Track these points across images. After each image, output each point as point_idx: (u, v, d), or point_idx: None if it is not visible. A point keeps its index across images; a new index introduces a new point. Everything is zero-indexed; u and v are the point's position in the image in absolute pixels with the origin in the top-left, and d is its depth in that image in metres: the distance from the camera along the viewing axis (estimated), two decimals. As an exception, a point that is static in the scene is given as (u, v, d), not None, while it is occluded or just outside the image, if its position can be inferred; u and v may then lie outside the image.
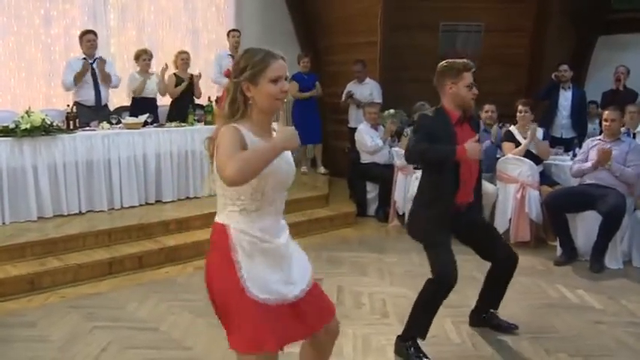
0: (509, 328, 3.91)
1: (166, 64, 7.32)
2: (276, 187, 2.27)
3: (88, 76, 6.81)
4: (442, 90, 3.54)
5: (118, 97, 7.66)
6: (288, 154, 2.31)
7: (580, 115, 7.74)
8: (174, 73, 7.46)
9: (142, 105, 7.06)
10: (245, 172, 2.03)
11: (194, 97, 7.58)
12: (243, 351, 2.19)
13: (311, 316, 2.37)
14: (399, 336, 3.60)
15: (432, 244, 3.50)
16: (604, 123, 5.48)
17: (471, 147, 3.31)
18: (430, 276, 3.48)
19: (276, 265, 2.29)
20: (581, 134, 7.43)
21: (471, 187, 3.56)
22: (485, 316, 3.96)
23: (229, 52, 7.80)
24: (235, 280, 2.21)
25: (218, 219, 2.32)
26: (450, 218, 3.48)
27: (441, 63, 3.55)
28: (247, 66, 2.21)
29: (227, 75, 2.05)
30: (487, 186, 5.44)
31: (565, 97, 7.72)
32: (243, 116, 2.25)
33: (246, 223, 2.25)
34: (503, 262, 3.72)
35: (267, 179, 2.21)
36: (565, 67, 7.64)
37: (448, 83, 3.48)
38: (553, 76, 7.69)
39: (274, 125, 2.32)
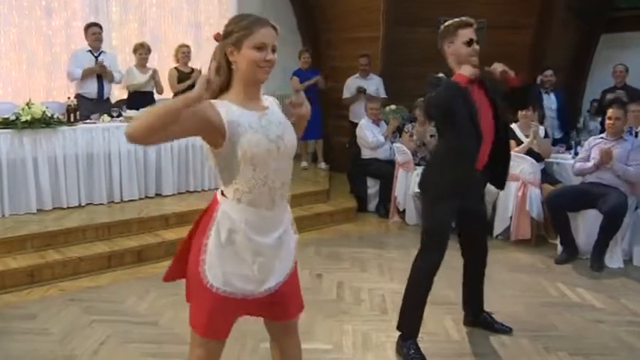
0: (504, 330, 3.89)
1: (155, 70, 7.28)
2: (267, 157, 2.11)
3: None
4: (444, 53, 3.46)
5: (119, 90, 7.65)
6: (278, 118, 2.21)
7: (567, 116, 7.85)
8: (176, 67, 7.44)
9: (139, 99, 7.04)
10: (141, 125, 1.90)
11: None
12: (197, 333, 2.20)
13: (273, 308, 2.30)
14: (400, 335, 3.59)
15: (436, 199, 3.42)
16: (608, 121, 5.46)
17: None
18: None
19: (249, 261, 2.16)
20: (570, 129, 7.51)
21: (486, 149, 3.42)
22: (479, 317, 3.94)
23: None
24: (197, 263, 2.17)
25: (218, 193, 2.23)
26: (462, 187, 3.41)
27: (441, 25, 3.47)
28: (234, 29, 2.12)
29: (216, 38, 2.02)
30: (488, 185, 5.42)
31: (550, 101, 7.79)
32: (228, 84, 2.17)
33: (235, 210, 2.14)
34: (476, 258, 3.74)
35: (245, 152, 2.07)
36: (550, 72, 7.75)
37: (446, 43, 3.42)
38: (538, 80, 7.72)
39: (268, 98, 2.26)
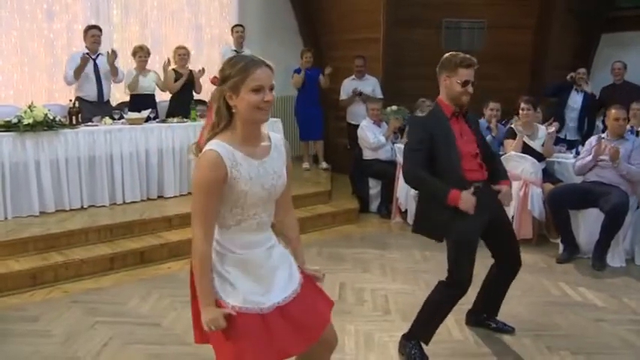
0: (507, 330, 3.89)
1: (168, 59, 7.31)
2: (258, 203, 2.22)
3: (90, 72, 6.79)
4: (439, 81, 3.51)
5: (120, 93, 7.66)
6: (276, 168, 2.26)
7: (588, 119, 7.80)
8: (173, 69, 7.45)
9: (140, 101, 7.04)
10: (195, 264, 2.18)
11: (194, 93, 7.57)
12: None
13: (303, 327, 2.28)
14: (403, 335, 3.59)
15: (449, 240, 3.41)
16: (614, 122, 5.43)
17: (466, 198, 3.27)
18: (442, 277, 3.45)
19: (252, 273, 2.23)
20: (586, 137, 7.44)
21: (477, 164, 3.46)
22: (483, 317, 3.94)
23: (234, 48, 7.81)
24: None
25: None
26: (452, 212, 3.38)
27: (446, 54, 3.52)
28: (231, 74, 2.14)
29: (213, 82, 2.04)
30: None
31: (575, 100, 7.80)
32: (228, 126, 2.20)
33: (225, 237, 2.24)
34: (508, 267, 3.70)
35: (246, 195, 2.17)
36: (583, 70, 7.81)
37: (444, 75, 3.45)
38: (569, 77, 7.73)
39: (269, 133, 2.29)
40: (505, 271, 3.73)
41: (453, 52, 3.49)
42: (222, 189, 2.15)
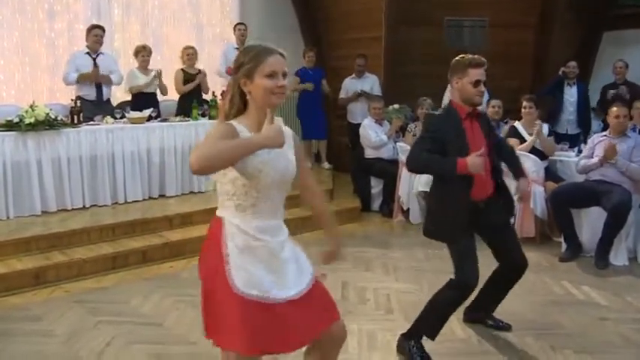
0: (503, 327, 3.88)
1: (159, 71, 7.25)
2: (272, 185, 2.24)
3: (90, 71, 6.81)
4: (451, 84, 3.54)
5: (121, 92, 7.65)
6: (288, 153, 2.29)
7: (586, 111, 7.77)
8: (182, 69, 7.46)
9: (142, 100, 7.05)
10: (207, 159, 1.99)
11: (202, 93, 7.57)
12: (239, 351, 2.19)
13: (306, 320, 2.29)
14: (402, 334, 3.59)
15: (453, 245, 3.45)
16: (614, 119, 5.43)
17: (473, 161, 3.25)
18: (450, 276, 3.44)
19: (267, 263, 2.25)
20: (587, 130, 7.43)
21: (486, 181, 3.47)
22: (480, 314, 3.94)
23: (236, 46, 7.81)
24: (223, 275, 2.20)
25: (217, 213, 2.34)
26: (467, 217, 3.40)
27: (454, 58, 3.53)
28: (244, 61, 2.21)
29: (229, 72, 2.08)
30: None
31: (570, 94, 7.79)
32: (242, 112, 2.26)
33: (241, 218, 2.25)
34: (511, 269, 3.69)
35: (260, 176, 2.19)
36: (574, 63, 7.76)
37: (455, 79, 3.46)
38: (560, 72, 7.73)
39: (277, 120, 2.29)
40: (509, 273, 3.72)
41: (462, 55, 3.51)
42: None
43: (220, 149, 2.02)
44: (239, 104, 2.26)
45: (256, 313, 2.18)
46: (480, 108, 3.60)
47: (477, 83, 3.40)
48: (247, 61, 2.20)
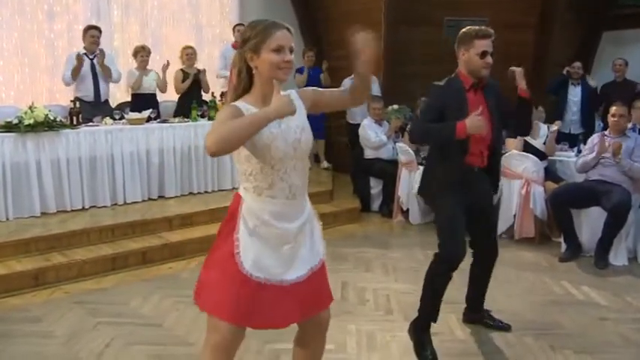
0: (502, 327, 3.88)
1: (168, 62, 7.29)
2: (285, 158, 2.22)
3: (88, 72, 6.80)
4: (458, 56, 3.52)
5: (120, 93, 7.66)
6: (298, 123, 2.26)
7: (590, 111, 7.78)
8: (181, 69, 7.46)
9: (142, 101, 7.05)
10: (222, 139, 2.00)
11: (202, 93, 7.57)
12: (221, 317, 2.22)
13: (306, 302, 2.34)
14: (412, 320, 3.63)
15: (440, 213, 3.47)
16: (612, 119, 5.44)
17: (472, 121, 3.24)
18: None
19: (275, 249, 2.27)
20: (590, 130, 7.43)
21: (483, 148, 3.47)
22: (479, 315, 3.94)
23: (235, 47, 7.81)
24: (232, 252, 2.23)
25: (239, 189, 2.35)
26: (460, 181, 3.41)
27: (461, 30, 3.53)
28: (251, 36, 2.20)
29: (234, 46, 2.09)
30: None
31: (574, 94, 7.81)
32: (249, 88, 2.26)
33: (257, 203, 2.25)
34: (483, 257, 3.71)
35: (269, 149, 2.18)
36: (578, 64, 7.81)
37: (462, 50, 3.47)
38: (564, 71, 7.73)
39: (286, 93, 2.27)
40: (481, 260, 3.74)
41: (469, 27, 3.49)
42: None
43: (233, 127, 2.03)
44: (247, 78, 2.26)
45: (256, 291, 2.22)
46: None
47: (483, 54, 3.39)
48: (254, 36, 2.19)
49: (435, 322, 3.54)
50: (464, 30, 3.48)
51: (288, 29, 2.22)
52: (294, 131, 2.25)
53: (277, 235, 2.27)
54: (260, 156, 2.19)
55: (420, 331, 3.55)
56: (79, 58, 6.67)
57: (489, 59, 3.41)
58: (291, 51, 2.22)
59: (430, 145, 3.70)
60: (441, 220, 3.49)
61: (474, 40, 3.40)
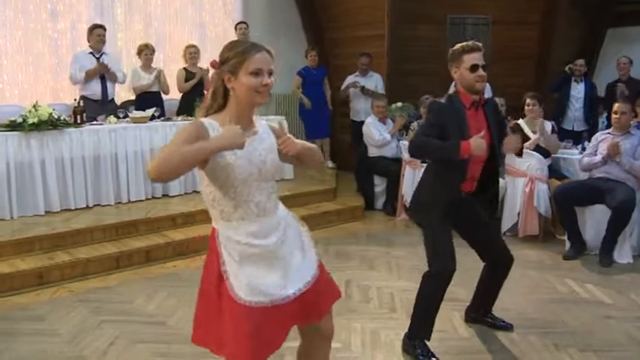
0: (505, 327, 3.87)
1: (160, 71, 7.30)
2: (248, 178, 2.17)
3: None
4: (453, 77, 3.50)
5: (124, 91, 7.67)
6: (265, 146, 2.24)
7: (592, 108, 7.76)
8: (184, 68, 7.47)
9: (146, 99, 7.07)
10: (163, 168, 1.96)
11: (204, 91, 7.57)
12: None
13: (306, 312, 2.31)
14: (406, 334, 3.58)
15: (428, 230, 3.45)
16: (614, 116, 5.43)
17: (476, 143, 3.21)
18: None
19: (268, 266, 2.22)
20: (593, 127, 7.42)
21: (474, 177, 3.47)
22: (480, 314, 3.92)
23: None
24: (225, 289, 2.17)
25: (213, 226, 2.30)
26: (448, 202, 3.40)
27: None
28: (229, 56, 2.16)
29: (213, 65, 2.05)
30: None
31: (577, 90, 7.79)
32: (222, 108, 2.21)
33: (230, 229, 2.21)
34: (497, 265, 3.68)
35: (233, 168, 2.13)
36: (581, 61, 7.79)
37: (453, 68, 3.45)
38: (567, 68, 7.72)
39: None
40: (494, 269, 3.71)
41: (457, 44, 3.47)
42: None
43: (173, 157, 1.97)
44: (222, 98, 2.21)
45: (262, 318, 2.16)
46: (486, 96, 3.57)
47: (473, 68, 3.34)
48: (233, 56, 2.15)
49: (428, 340, 3.48)
50: (452, 48, 3.47)
51: (268, 52, 2.19)
52: (259, 153, 2.21)
53: (262, 253, 2.22)
54: (222, 178, 2.15)
55: (421, 347, 3.48)
56: (101, 66, 6.72)
57: (481, 72, 3.35)
58: (270, 74, 2.17)
59: (428, 164, 3.65)
60: (427, 236, 3.46)
61: (462, 56, 3.38)
